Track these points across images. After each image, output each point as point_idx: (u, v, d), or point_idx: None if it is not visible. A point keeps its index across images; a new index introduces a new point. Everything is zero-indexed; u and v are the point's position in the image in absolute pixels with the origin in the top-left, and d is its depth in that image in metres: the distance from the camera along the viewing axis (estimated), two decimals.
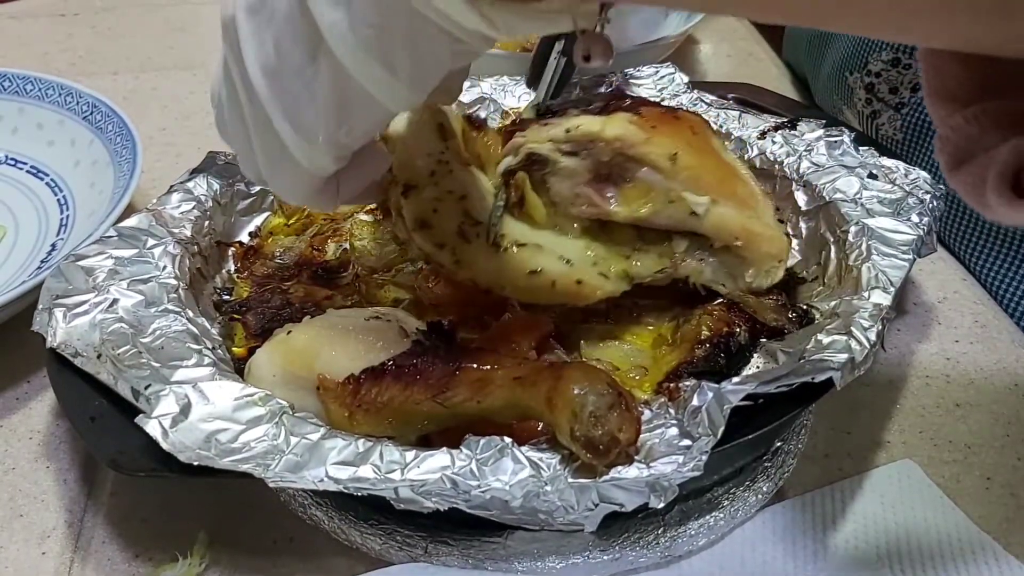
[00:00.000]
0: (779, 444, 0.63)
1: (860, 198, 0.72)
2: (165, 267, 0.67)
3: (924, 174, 0.75)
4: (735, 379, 0.56)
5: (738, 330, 0.64)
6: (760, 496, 0.62)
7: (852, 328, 0.59)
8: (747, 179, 0.69)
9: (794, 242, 0.74)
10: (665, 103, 0.86)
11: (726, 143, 0.76)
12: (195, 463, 0.52)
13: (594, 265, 0.66)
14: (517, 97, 0.90)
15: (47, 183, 0.94)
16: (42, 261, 0.84)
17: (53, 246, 0.87)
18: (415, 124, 0.66)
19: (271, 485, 0.51)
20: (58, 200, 0.92)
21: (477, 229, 0.65)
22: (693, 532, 0.59)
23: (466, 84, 0.88)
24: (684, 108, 0.82)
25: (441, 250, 0.64)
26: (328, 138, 0.50)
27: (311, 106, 0.48)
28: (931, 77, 0.44)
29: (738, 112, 0.84)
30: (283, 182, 0.55)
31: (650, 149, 0.64)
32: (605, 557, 0.58)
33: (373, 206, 0.83)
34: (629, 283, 0.67)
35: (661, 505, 0.50)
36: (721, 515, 0.60)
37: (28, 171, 0.96)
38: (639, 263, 0.67)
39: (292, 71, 0.47)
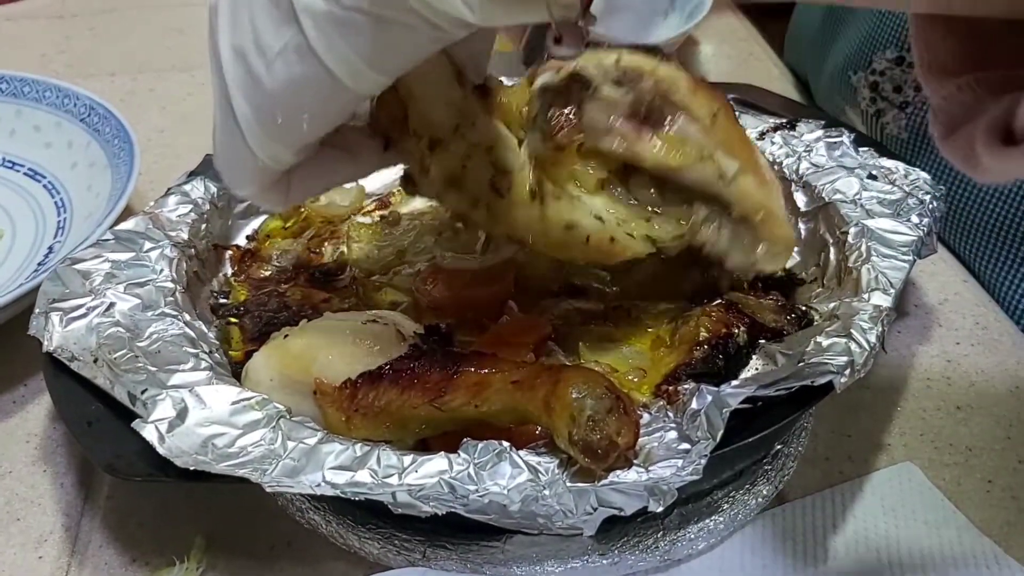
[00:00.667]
0: (779, 447, 0.63)
1: (860, 199, 0.71)
2: (162, 270, 0.67)
3: (924, 175, 0.74)
4: (734, 382, 0.56)
5: (737, 331, 0.64)
6: (760, 499, 0.61)
7: (852, 330, 0.58)
8: (766, 169, 0.68)
9: None
10: None
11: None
12: (192, 468, 0.52)
13: (619, 225, 0.65)
14: None
15: (44, 185, 0.94)
16: (39, 264, 0.84)
17: (50, 249, 0.86)
18: (430, 73, 0.61)
19: (268, 490, 0.51)
20: (55, 202, 0.92)
21: (508, 180, 0.62)
22: (692, 536, 0.59)
23: None
24: None
25: (475, 208, 0.62)
26: (287, 125, 0.48)
27: (273, 87, 0.47)
28: (924, 52, 0.45)
29: (737, 113, 0.83)
30: (236, 172, 0.53)
31: (693, 100, 0.62)
32: (604, 561, 0.57)
33: (371, 208, 0.83)
34: (652, 245, 0.64)
35: (660, 509, 0.50)
36: (721, 519, 0.60)
37: (25, 173, 0.96)
38: (659, 226, 0.65)
39: (259, 50, 0.46)
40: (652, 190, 0.65)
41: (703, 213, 0.65)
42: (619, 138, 0.62)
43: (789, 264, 0.73)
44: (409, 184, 0.66)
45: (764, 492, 0.61)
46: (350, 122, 0.61)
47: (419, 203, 0.83)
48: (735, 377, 0.61)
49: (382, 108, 0.61)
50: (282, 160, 0.51)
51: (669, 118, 0.62)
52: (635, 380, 0.63)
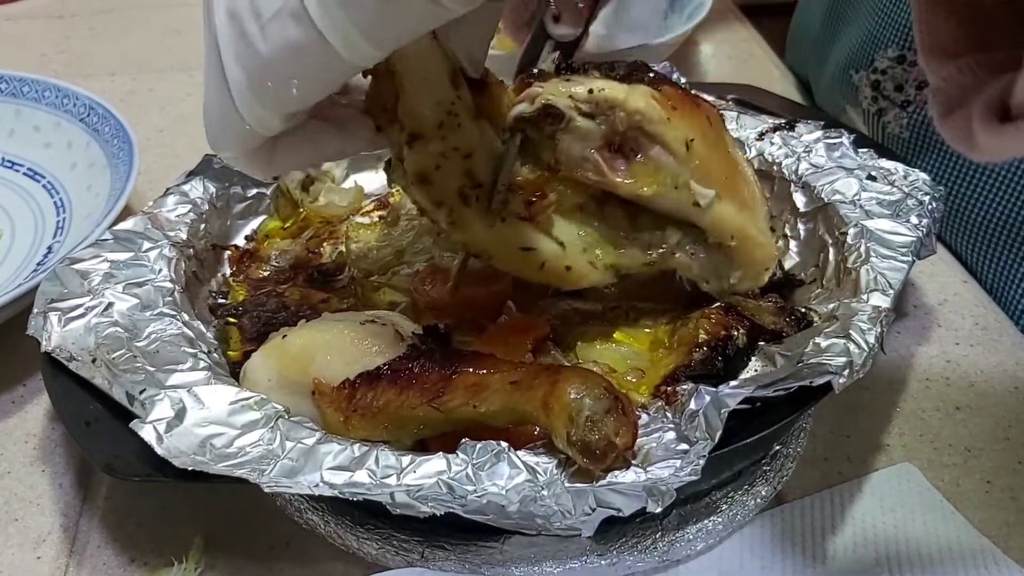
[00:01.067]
0: (778, 448, 0.63)
1: (859, 200, 0.71)
2: (160, 270, 0.67)
3: (924, 176, 0.74)
4: (733, 383, 0.56)
5: (736, 333, 0.64)
6: (759, 500, 0.61)
7: (851, 331, 0.58)
8: (751, 180, 0.68)
9: (792, 244, 0.74)
10: None
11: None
12: (190, 468, 0.52)
13: (583, 252, 0.65)
14: None
15: (44, 185, 0.94)
16: (38, 264, 0.84)
17: (49, 249, 0.86)
18: (424, 68, 0.61)
19: (266, 490, 0.51)
20: (55, 202, 0.92)
21: (477, 192, 0.62)
22: (691, 536, 0.59)
23: None
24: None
25: (438, 208, 0.62)
26: (277, 91, 0.48)
27: (265, 51, 0.46)
28: (925, 34, 0.45)
29: (736, 113, 0.84)
30: (222, 134, 0.53)
31: (668, 130, 0.62)
32: (603, 562, 0.57)
33: (370, 208, 0.83)
34: (615, 275, 0.66)
35: (659, 510, 0.50)
36: (719, 519, 0.60)
37: (25, 173, 0.96)
38: (626, 253, 0.66)
39: (254, 13, 0.46)
40: (624, 216, 0.66)
41: (676, 237, 0.66)
42: (592, 168, 0.63)
43: (789, 265, 0.73)
44: (388, 170, 0.66)
45: (763, 493, 0.61)
46: (345, 99, 0.62)
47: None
48: (734, 378, 0.61)
49: (374, 90, 0.61)
50: (270, 126, 0.51)
51: (642, 148, 0.63)
52: (633, 381, 0.63)
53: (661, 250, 0.66)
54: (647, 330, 0.67)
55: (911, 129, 0.93)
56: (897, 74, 0.93)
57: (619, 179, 0.63)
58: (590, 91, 0.62)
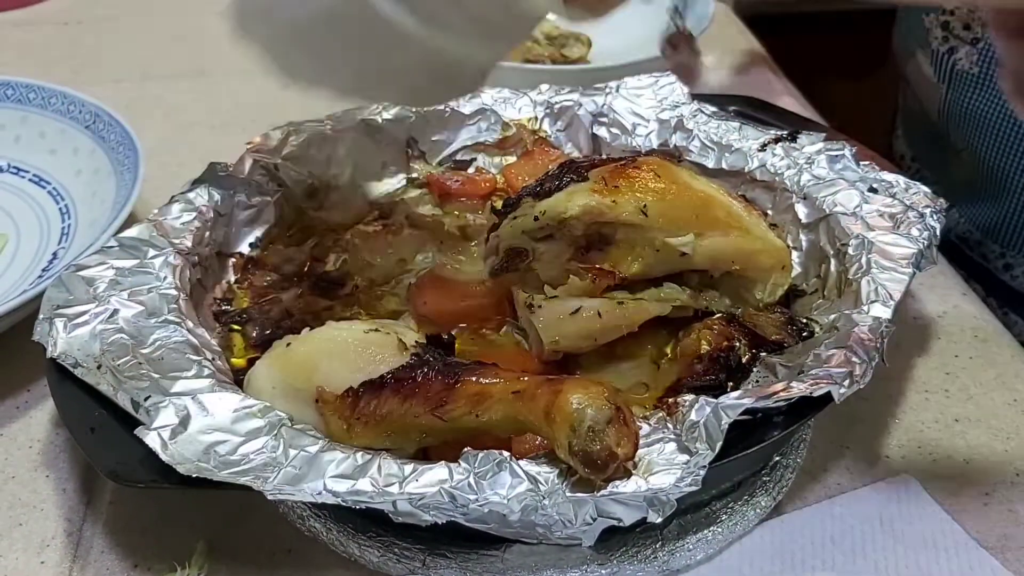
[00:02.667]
0: (778, 459, 0.63)
1: (860, 212, 0.72)
2: (166, 277, 0.67)
3: (925, 188, 0.75)
4: (733, 394, 0.56)
5: (738, 345, 0.64)
6: (758, 511, 0.62)
7: (851, 342, 0.59)
8: (723, 200, 0.69)
9: (795, 255, 0.74)
10: (665, 113, 0.86)
11: (694, 171, 0.77)
12: (194, 475, 0.52)
13: (621, 304, 0.67)
14: (518, 109, 0.90)
15: (49, 192, 0.95)
16: (43, 270, 0.85)
17: (55, 255, 0.87)
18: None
19: (270, 498, 0.51)
20: (60, 209, 0.93)
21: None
22: (691, 546, 0.59)
23: (466, 95, 0.89)
24: (643, 152, 0.85)
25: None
26: None
27: None
28: (995, 16, 0.51)
29: (738, 124, 0.84)
30: None
31: (619, 211, 0.65)
32: (603, 571, 0.58)
33: (374, 216, 0.83)
34: (669, 305, 0.67)
35: (659, 520, 0.50)
36: (719, 529, 0.60)
37: (31, 180, 0.96)
38: (663, 293, 0.68)
39: None
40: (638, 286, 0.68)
41: (694, 280, 0.69)
42: (578, 275, 0.66)
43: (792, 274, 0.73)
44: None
45: (763, 503, 0.62)
46: None
47: (420, 211, 0.83)
48: (736, 389, 0.61)
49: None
50: None
51: (607, 237, 0.66)
52: (637, 395, 0.64)
53: (687, 295, 0.68)
54: (648, 347, 0.67)
55: (980, 65, 0.96)
56: (963, 14, 0.97)
57: (607, 272, 0.66)
58: (536, 218, 0.66)
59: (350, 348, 0.59)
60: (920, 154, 1.17)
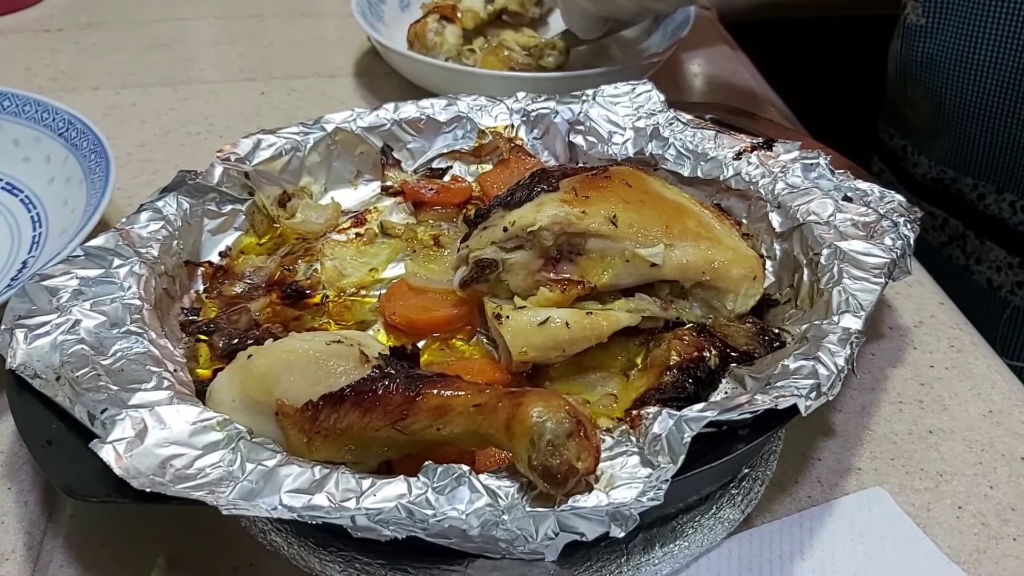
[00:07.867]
0: (746, 471, 0.63)
1: (834, 220, 0.71)
2: (130, 287, 0.66)
3: (899, 197, 0.74)
4: (697, 406, 0.55)
5: (708, 355, 0.64)
6: (727, 524, 0.61)
7: (820, 353, 0.58)
8: (695, 209, 0.69)
9: (768, 264, 0.74)
10: (641, 121, 0.86)
11: (667, 180, 0.77)
12: (148, 489, 0.51)
13: (590, 314, 0.66)
14: (494, 117, 0.89)
15: (21, 200, 0.94)
16: (12, 279, 0.84)
17: (24, 264, 0.86)
18: None
19: (224, 513, 0.50)
20: (31, 217, 0.92)
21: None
22: (657, 560, 0.58)
23: (442, 103, 0.89)
24: (619, 160, 0.84)
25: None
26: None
27: None
28: None
29: (714, 132, 0.84)
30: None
31: (589, 221, 0.65)
32: None
33: (347, 225, 0.82)
34: (639, 315, 0.66)
35: (622, 534, 0.49)
36: (686, 543, 0.59)
37: (3, 188, 0.95)
38: (633, 304, 0.67)
39: None
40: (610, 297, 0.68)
41: (665, 290, 0.68)
42: (548, 287, 0.66)
43: (764, 285, 0.73)
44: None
45: (731, 517, 0.61)
46: None
47: (394, 220, 0.82)
48: (703, 400, 0.60)
49: None
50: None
51: (577, 247, 0.66)
52: (606, 407, 0.63)
53: (657, 305, 0.68)
54: (619, 357, 0.67)
55: (927, 16, 1.03)
56: None
57: (577, 283, 0.66)
58: (505, 229, 0.66)
59: (311, 360, 0.58)
60: (899, 129, 1.20)
